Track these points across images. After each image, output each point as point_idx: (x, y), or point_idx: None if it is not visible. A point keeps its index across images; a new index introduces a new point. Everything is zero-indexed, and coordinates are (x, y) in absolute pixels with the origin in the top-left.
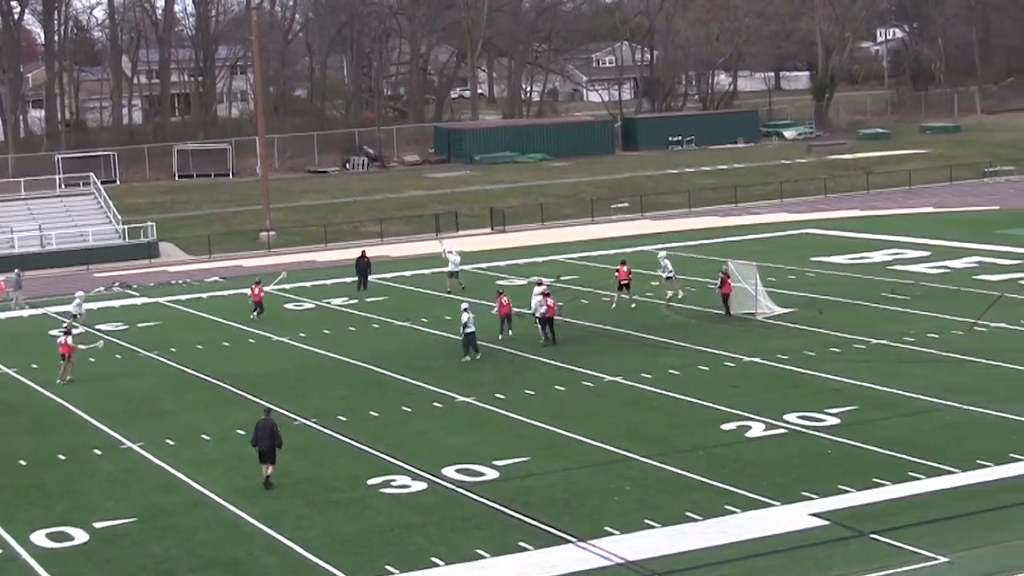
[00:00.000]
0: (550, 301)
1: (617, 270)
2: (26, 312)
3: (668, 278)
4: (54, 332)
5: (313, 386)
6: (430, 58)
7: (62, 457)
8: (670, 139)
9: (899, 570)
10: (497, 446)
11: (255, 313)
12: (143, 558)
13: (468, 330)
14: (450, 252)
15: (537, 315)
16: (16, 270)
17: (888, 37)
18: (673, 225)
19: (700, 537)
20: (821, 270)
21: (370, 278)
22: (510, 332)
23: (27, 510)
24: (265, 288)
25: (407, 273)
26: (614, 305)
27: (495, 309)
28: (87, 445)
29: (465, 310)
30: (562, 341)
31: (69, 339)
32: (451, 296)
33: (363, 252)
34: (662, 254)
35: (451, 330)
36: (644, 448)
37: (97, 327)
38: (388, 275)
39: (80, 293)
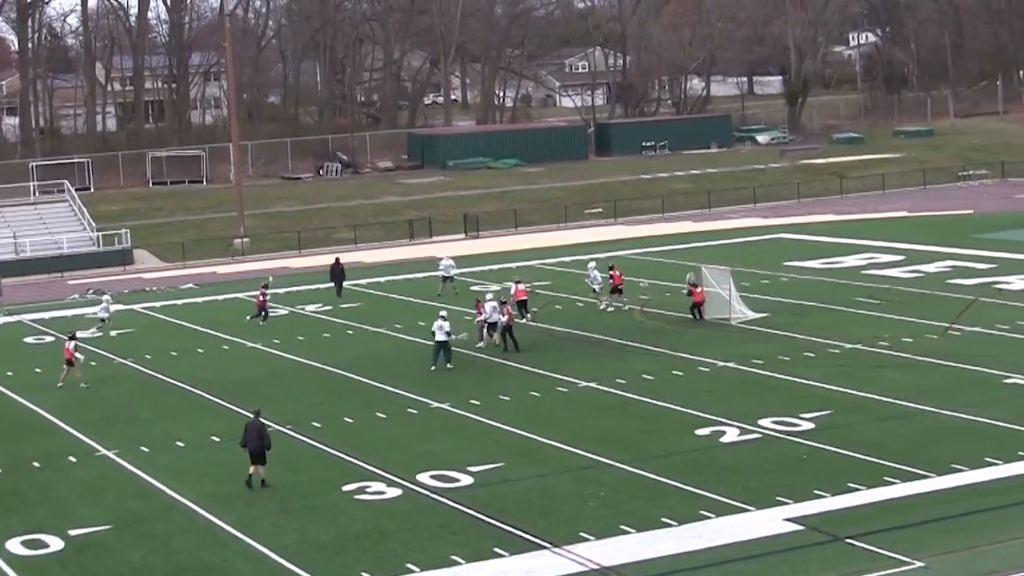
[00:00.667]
0: (509, 308)
1: (611, 276)
2: (0, 320)
3: (594, 290)
4: (29, 340)
5: (288, 392)
6: (403, 64)
7: (37, 464)
8: (643, 144)
9: (875, 575)
10: (472, 452)
11: (260, 319)
12: (119, 565)
13: (438, 338)
14: (444, 258)
15: (490, 322)
16: None
17: (861, 41)
18: (647, 230)
19: (675, 542)
20: (795, 275)
21: (344, 284)
22: (495, 341)
23: (2, 517)
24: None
25: (381, 279)
26: (610, 307)
27: (478, 318)
28: (62, 452)
29: (442, 317)
30: (536, 347)
31: (72, 344)
32: (439, 300)
33: (337, 259)
34: (591, 264)
35: (426, 336)
36: (619, 453)
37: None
38: (363, 281)
39: (107, 296)
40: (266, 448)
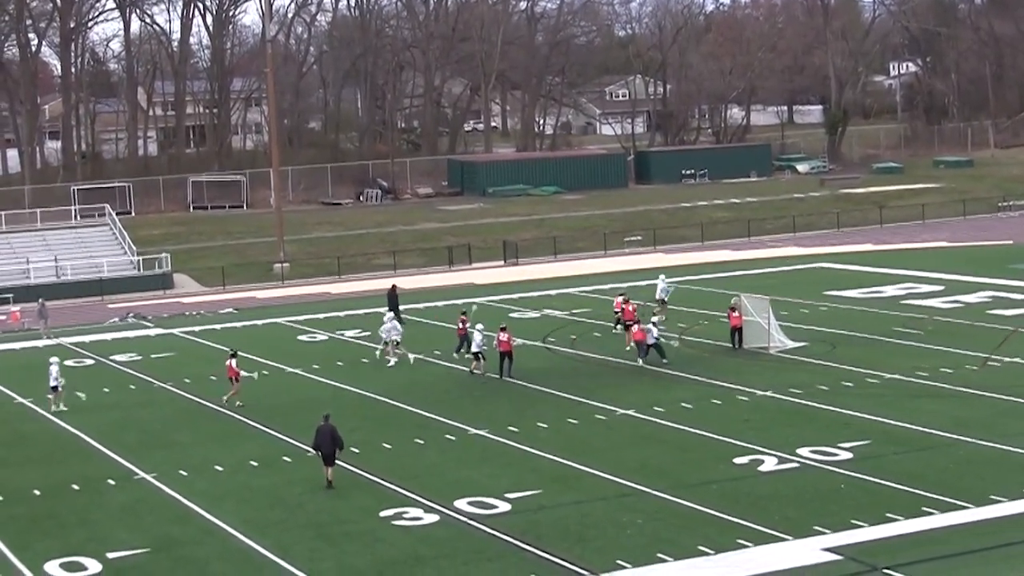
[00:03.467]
0: (504, 336)
1: (622, 309)
2: (41, 343)
3: (662, 300)
4: (69, 363)
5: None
6: (444, 91)
7: (76, 487)
8: (683, 172)
9: None
10: (510, 479)
11: (458, 351)
12: None
13: (474, 350)
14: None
15: (474, 351)
16: (40, 300)
17: (901, 71)
18: (686, 259)
19: (712, 571)
20: (834, 304)
21: (384, 310)
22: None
23: (41, 540)
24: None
25: (420, 305)
26: (628, 347)
27: (494, 343)
28: (101, 475)
29: (479, 330)
30: (574, 374)
31: (234, 362)
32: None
33: (393, 285)
34: (661, 276)
35: (464, 363)
36: (656, 482)
37: (111, 358)
38: (401, 307)
39: (389, 315)
40: (339, 448)
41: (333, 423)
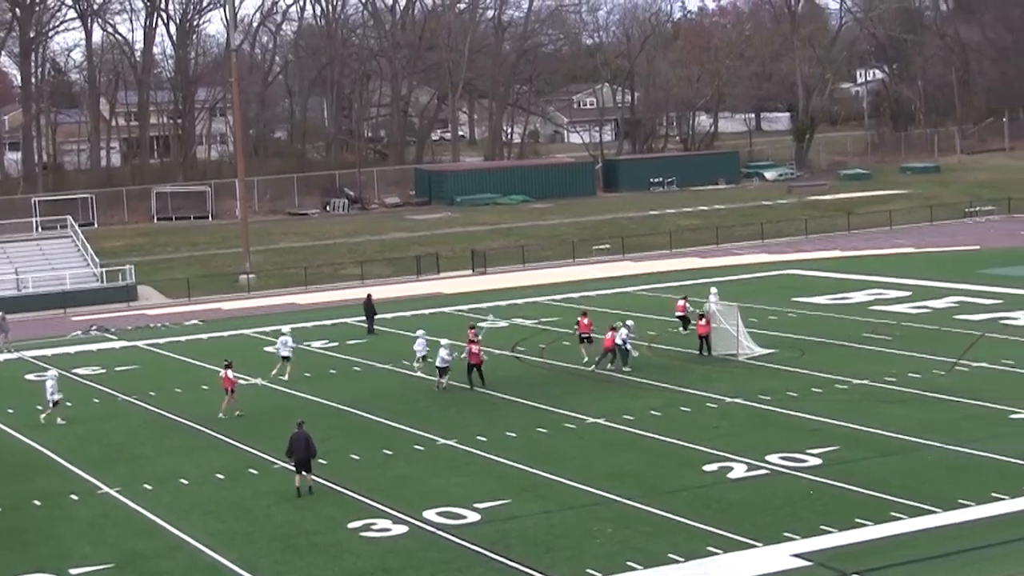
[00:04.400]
0: (475, 348)
1: (577, 322)
2: (1, 356)
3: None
4: (31, 377)
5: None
6: (411, 100)
7: (38, 503)
8: (651, 180)
9: None
10: (479, 489)
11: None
12: None
13: (439, 365)
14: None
15: (439, 367)
16: (1, 313)
17: (868, 78)
18: (655, 266)
19: None
20: (802, 310)
21: (351, 320)
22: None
23: (3, 556)
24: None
25: (388, 315)
26: (585, 359)
27: (463, 354)
28: (64, 490)
29: (444, 345)
30: (543, 383)
31: (230, 372)
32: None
33: (368, 295)
34: (713, 290)
35: (433, 373)
36: (626, 490)
37: (74, 371)
38: (364, 317)
39: (286, 328)
40: (312, 456)
41: (307, 430)
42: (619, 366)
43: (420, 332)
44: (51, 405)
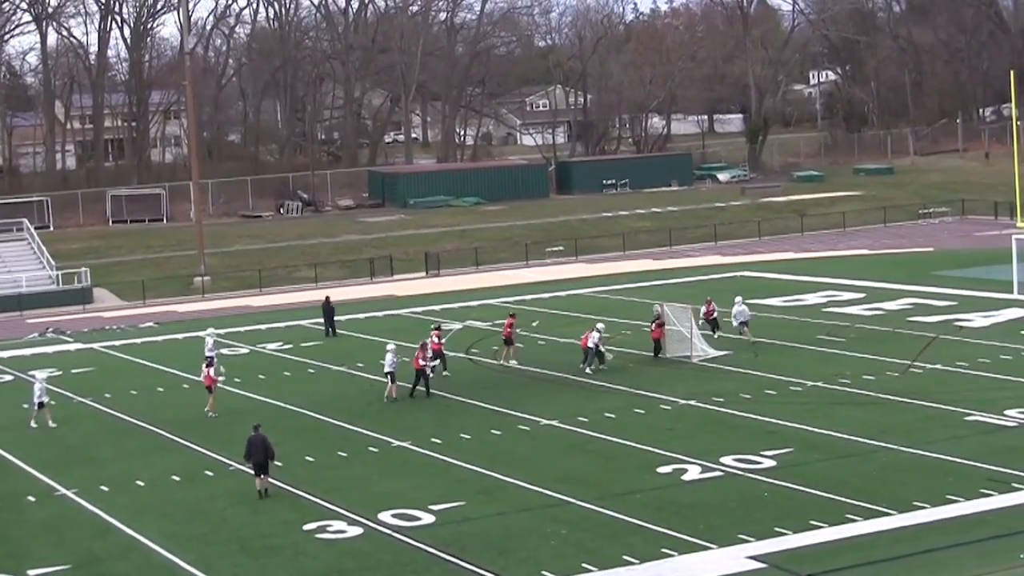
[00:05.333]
0: (421, 356)
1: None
2: None
3: (744, 323)
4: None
5: (248, 431)
6: (364, 102)
7: None
8: (604, 182)
9: None
10: (433, 491)
11: (436, 367)
12: None
13: (387, 370)
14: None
15: (387, 371)
16: None
17: (821, 80)
18: (608, 268)
19: None
20: (756, 312)
21: (306, 323)
22: (444, 373)
23: None
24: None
25: (343, 318)
26: (511, 362)
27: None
28: (20, 492)
29: (390, 350)
30: (497, 385)
31: (211, 371)
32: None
33: (327, 297)
34: (738, 299)
35: (442, 382)
36: (581, 492)
37: (30, 373)
38: (322, 320)
39: (211, 330)
40: (270, 459)
41: (264, 432)
42: (597, 366)
43: (390, 346)
44: (36, 408)
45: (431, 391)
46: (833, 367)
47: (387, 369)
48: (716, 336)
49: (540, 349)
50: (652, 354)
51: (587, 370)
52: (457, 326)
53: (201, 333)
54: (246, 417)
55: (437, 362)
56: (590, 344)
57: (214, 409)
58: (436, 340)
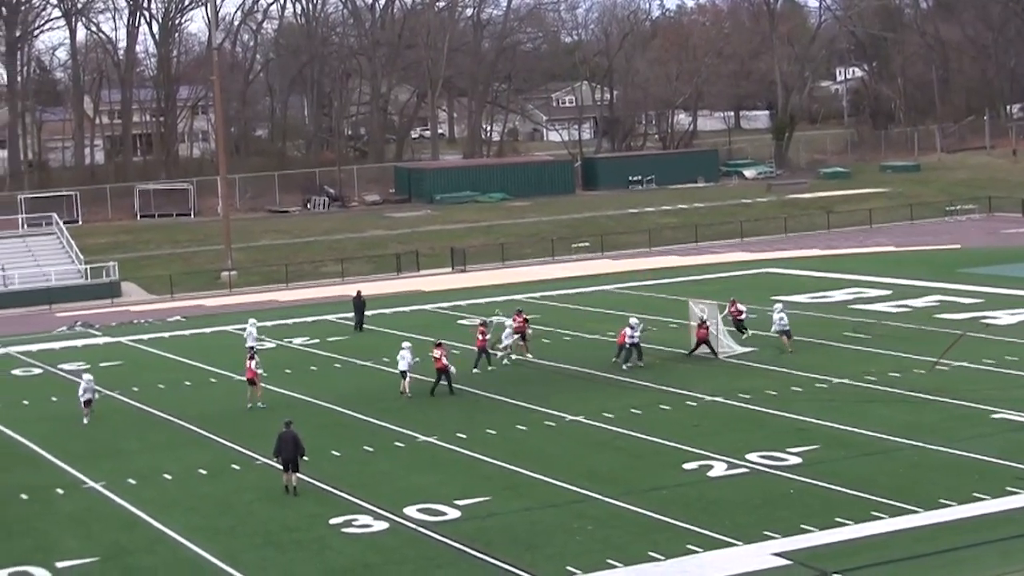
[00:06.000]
0: (437, 352)
1: (513, 319)
2: None
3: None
4: (17, 372)
5: (275, 426)
6: (390, 98)
7: (24, 496)
8: (630, 179)
9: None
10: (459, 486)
11: (478, 363)
12: None
13: (402, 368)
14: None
15: (400, 369)
16: None
17: (848, 76)
18: (634, 264)
19: None
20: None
21: (332, 318)
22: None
23: None
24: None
25: (369, 313)
26: (506, 360)
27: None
28: (49, 484)
29: (406, 347)
30: (524, 381)
31: (253, 363)
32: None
33: (358, 292)
34: (778, 307)
35: (422, 371)
36: (606, 488)
37: (59, 367)
38: (350, 315)
39: (252, 320)
40: (301, 456)
41: (295, 429)
42: (635, 362)
43: (406, 344)
44: (82, 404)
45: (454, 387)
46: (860, 364)
47: (401, 367)
48: (745, 337)
49: (566, 345)
50: (686, 352)
51: (623, 367)
52: (498, 316)
53: (230, 328)
54: (273, 412)
55: (504, 351)
56: (627, 341)
57: (262, 400)
58: (480, 337)
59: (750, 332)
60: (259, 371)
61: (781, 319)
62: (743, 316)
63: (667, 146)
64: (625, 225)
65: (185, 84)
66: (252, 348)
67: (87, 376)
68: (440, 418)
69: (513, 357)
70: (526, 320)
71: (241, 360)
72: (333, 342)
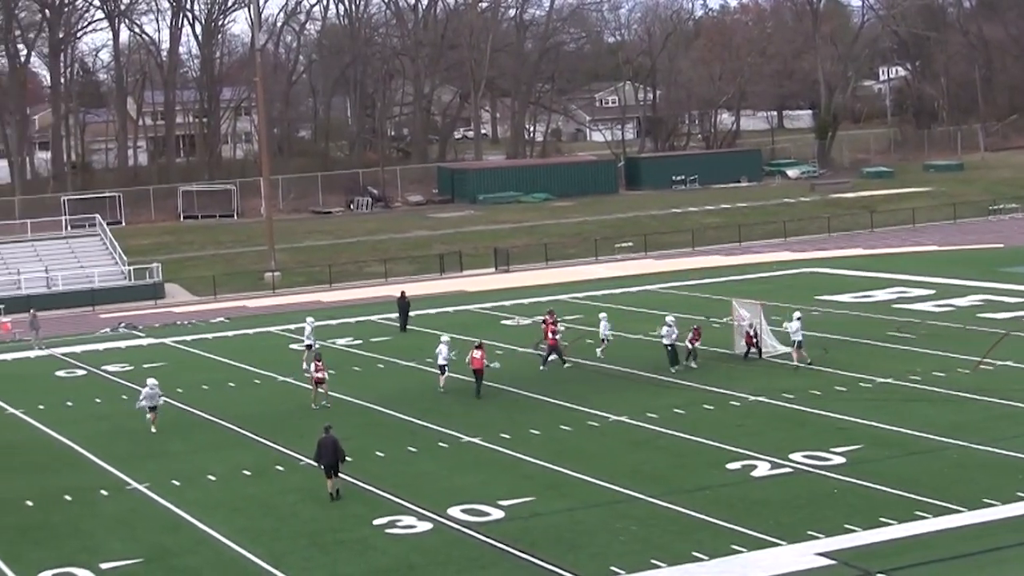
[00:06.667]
0: (477, 354)
1: (544, 323)
2: (33, 353)
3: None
4: (61, 374)
5: (318, 426)
6: (433, 98)
7: (68, 498)
8: (673, 178)
9: None
10: (503, 486)
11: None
12: None
13: (440, 363)
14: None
15: (440, 364)
16: (32, 311)
17: (891, 75)
18: (677, 264)
19: None
20: (825, 308)
21: (376, 318)
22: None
23: (34, 551)
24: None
25: (412, 313)
26: (543, 367)
27: (467, 359)
28: (93, 486)
29: (444, 342)
30: (567, 381)
31: (319, 364)
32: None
33: (402, 292)
34: (796, 314)
35: (456, 370)
36: (650, 488)
37: (102, 368)
38: (393, 315)
39: (310, 319)
40: (341, 460)
41: (335, 434)
42: (687, 365)
43: (444, 338)
44: (148, 412)
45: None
46: (903, 364)
47: (440, 361)
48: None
49: (609, 345)
50: (736, 352)
51: (692, 365)
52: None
53: (273, 328)
54: (317, 413)
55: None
56: (665, 342)
57: (327, 399)
58: (552, 335)
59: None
60: (319, 373)
61: (796, 329)
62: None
63: (710, 146)
64: (668, 225)
65: (228, 85)
66: (314, 349)
67: (151, 381)
68: (484, 418)
69: (598, 352)
70: (556, 322)
71: (285, 360)
72: (377, 343)
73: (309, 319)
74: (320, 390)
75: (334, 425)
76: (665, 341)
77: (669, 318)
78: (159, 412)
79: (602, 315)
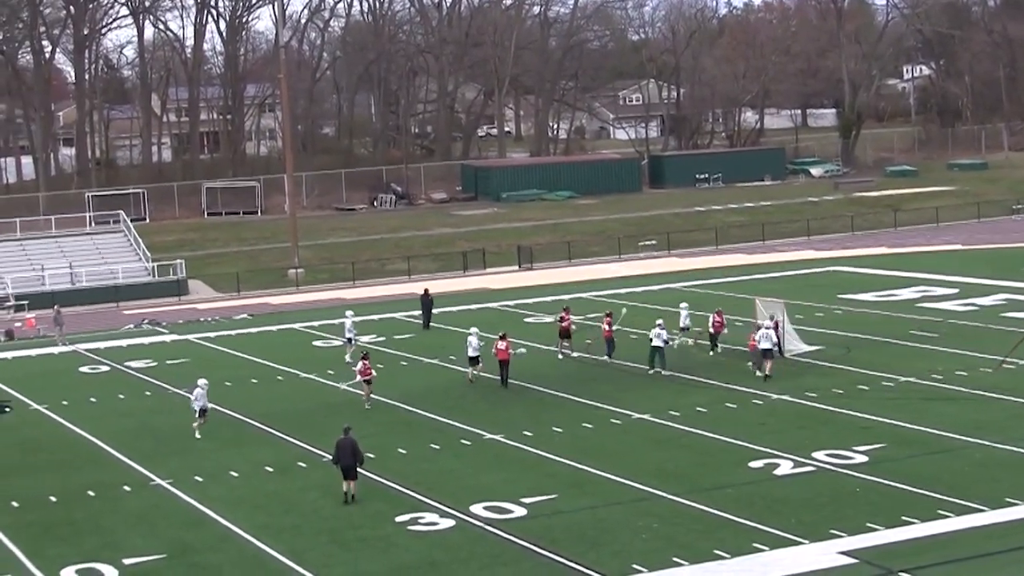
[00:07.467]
0: (502, 344)
1: (561, 318)
2: (56, 349)
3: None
4: (84, 370)
5: (341, 423)
6: (457, 96)
7: (91, 494)
8: (697, 176)
9: None
10: (525, 484)
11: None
12: None
13: (471, 355)
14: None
15: (470, 356)
16: (56, 306)
17: (915, 74)
18: (700, 263)
19: (728, 575)
20: (848, 307)
21: (399, 315)
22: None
23: (57, 547)
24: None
25: (435, 311)
26: (560, 356)
27: (492, 350)
28: (116, 482)
29: (474, 334)
30: (590, 379)
31: (368, 362)
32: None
33: (426, 289)
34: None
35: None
36: (672, 486)
37: (126, 364)
38: (416, 312)
39: (350, 313)
40: (359, 463)
41: (354, 436)
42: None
43: (473, 330)
44: (196, 414)
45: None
46: (926, 363)
47: (471, 353)
48: (712, 353)
49: (632, 343)
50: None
51: (757, 373)
52: (624, 312)
53: (296, 325)
54: (340, 410)
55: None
56: (766, 344)
57: (368, 399)
58: (607, 328)
59: (720, 348)
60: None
61: (766, 336)
62: (724, 331)
63: (734, 144)
64: (692, 223)
65: (252, 82)
66: (354, 343)
67: (202, 381)
68: (506, 416)
69: (690, 343)
70: (570, 320)
71: (308, 357)
72: (400, 340)
73: (349, 312)
74: (369, 389)
75: (359, 423)
76: (655, 342)
77: (659, 320)
78: (207, 418)
79: (683, 304)
